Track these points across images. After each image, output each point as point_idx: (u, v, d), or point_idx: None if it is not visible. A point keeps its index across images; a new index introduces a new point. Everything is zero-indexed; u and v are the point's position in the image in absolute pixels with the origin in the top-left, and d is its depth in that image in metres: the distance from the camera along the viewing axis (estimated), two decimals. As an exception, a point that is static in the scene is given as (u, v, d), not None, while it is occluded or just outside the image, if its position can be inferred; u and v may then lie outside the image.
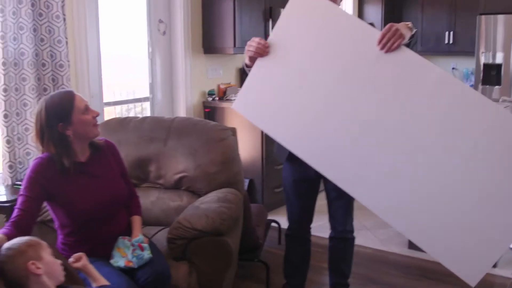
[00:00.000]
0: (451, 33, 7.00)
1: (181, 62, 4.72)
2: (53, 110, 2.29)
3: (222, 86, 5.03)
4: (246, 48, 2.40)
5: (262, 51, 2.33)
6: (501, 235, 2.04)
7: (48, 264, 1.91)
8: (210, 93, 4.94)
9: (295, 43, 2.30)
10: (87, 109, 2.37)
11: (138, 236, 2.42)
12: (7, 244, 1.92)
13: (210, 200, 2.76)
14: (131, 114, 4.49)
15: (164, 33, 4.66)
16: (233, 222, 2.66)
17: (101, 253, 2.34)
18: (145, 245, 2.36)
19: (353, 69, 2.20)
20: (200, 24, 4.83)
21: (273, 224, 3.93)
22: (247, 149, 4.60)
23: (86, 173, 2.39)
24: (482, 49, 6.32)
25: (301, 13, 2.29)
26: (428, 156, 2.10)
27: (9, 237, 2.03)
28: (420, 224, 2.16)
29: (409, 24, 2.25)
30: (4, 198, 3.02)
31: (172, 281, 2.40)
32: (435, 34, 7.15)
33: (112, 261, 2.33)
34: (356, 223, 3.03)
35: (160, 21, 4.62)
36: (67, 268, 2.05)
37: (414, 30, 2.29)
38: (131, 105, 4.53)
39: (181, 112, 4.74)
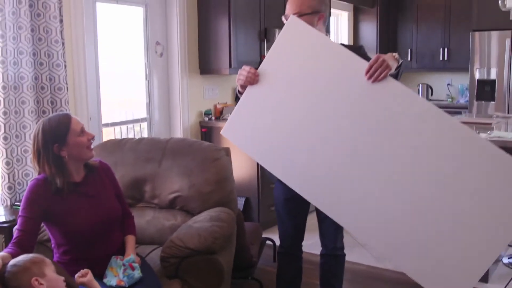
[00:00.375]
0: (446, 49, 7.11)
1: (178, 83, 4.82)
2: (49, 132, 2.38)
3: (218, 106, 5.13)
4: (237, 76, 2.49)
5: (252, 80, 2.43)
6: (478, 260, 2.13)
7: (51, 281, 2.01)
8: (207, 113, 5.04)
9: (284, 72, 2.39)
10: (82, 131, 2.46)
11: (130, 255, 2.49)
12: (12, 261, 2.04)
13: (203, 219, 2.84)
14: (130, 135, 4.58)
15: (161, 54, 4.77)
16: (225, 241, 2.73)
17: (95, 272, 2.40)
18: (136, 264, 2.43)
19: (340, 99, 2.28)
20: (196, 45, 4.94)
21: (268, 242, 3.99)
22: (243, 168, 4.68)
23: (81, 192, 2.48)
24: (476, 65, 6.43)
25: (292, 43, 2.37)
26: (410, 184, 2.18)
27: (13, 255, 2.14)
28: (402, 248, 2.24)
29: (396, 55, 2.35)
30: (3, 219, 3.10)
31: (164, 299, 2.47)
32: (430, 51, 7.27)
33: (105, 280, 2.41)
34: (350, 240, 3.10)
35: (157, 43, 4.73)
36: (69, 284, 2.14)
37: (401, 61, 2.39)
38: (130, 125, 4.62)
39: (178, 132, 4.83)
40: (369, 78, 2.21)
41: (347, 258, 3.05)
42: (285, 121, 2.38)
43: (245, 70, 2.45)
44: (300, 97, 2.35)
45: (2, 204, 3.43)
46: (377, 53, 7.33)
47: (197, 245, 2.57)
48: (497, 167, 2.07)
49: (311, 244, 3.53)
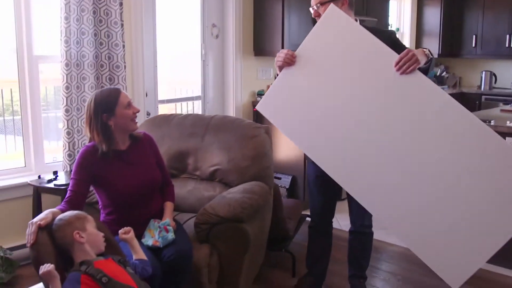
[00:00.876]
0: (512, 36, 6.91)
1: (232, 64, 5.04)
2: (100, 102, 2.66)
3: (271, 87, 5.30)
4: (276, 58, 2.64)
5: (290, 61, 2.58)
6: (483, 245, 2.25)
7: (91, 235, 2.27)
8: (259, 93, 5.23)
9: (320, 57, 2.52)
10: (129, 105, 2.72)
11: (165, 219, 2.73)
12: (59, 216, 2.33)
13: (236, 191, 3.04)
14: (184, 111, 4.85)
15: (217, 36, 4.99)
16: (253, 211, 2.92)
17: (135, 232, 2.63)
18: (170, 228, 2.67)
19: (370, 87, 2.41)
20: (251, 27, 5.13)
21: (308, 218, 4.13)
22: (290, 148, 4.84)
23: (125, 160, 2.74)
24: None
25: (329, 31, 2.50)
26: (430, 171, 2.31)
27: (63, 212, 2.43)
28: (416, 231, 2.37)
29: (426, 50, 2.48)
30: (63, 182, 3.45)
31: (194, 261, 2.70)
32: (495, 38, 7.09)
33: (143, 240, 2.66)
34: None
35: (214, 25, 4.95)
36: (109, 240, 2.40)
37: (431, 57, 2.51)
38: (184, 103, 4.89)
39: (231, 110, 5.06)
40: (398, 69, 2.34)
41: (387, 240, 3.13)
42: (317, 103, 2.52)
43: (283, 52, 2.60)
44: (332, 82, 2.49)
45: (63, 170, 3.78)
46: (440, 39, 7.30)
47: (226, 213, 2.78)
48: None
49: (346, 222, 3.66)
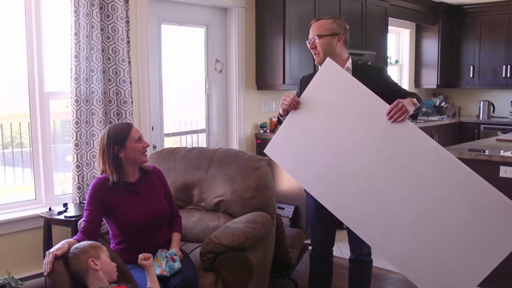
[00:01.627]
0: (508, 66, 7.09)
1: (236, 97, 5.21)
2: (112, 135, 2.84)
3: (274, 119, 5.46)
4: (281, 101, 2.84)
5: (294, 106, 2.79)
6: (470, 273, 2.45)
7: (104, 263, 2.43)
8: (262, 126, 5.39)
9: (320, 103, 2.76)
10: (140, 139, 2.88)
11: (172, 249, 2.86)
12: (75, 245, 2.49)
13: (239, 221, 3.17)
14: (189, 144, 5.00)
15: (220, 71, 5.18)
16: (256, 241, 3.04)
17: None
18: (176, 257, 2.80)
19: (365, 132, 2.65)
20: (253, 62, 5.32)
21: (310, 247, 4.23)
22: (292, 179, 4.94)
23: (134, 191, 2.89)
24: (539, 83, 6.40)
25: (327, 80, 2.76)
26: (419, 209, 2.53)
27: (79, 241, 2.58)
28: (406, 256, 2.59)
29: (415, 100, 2.71)
30: (72, 213, 3.58)
31: (200, 288, 2.81)
32: (492, 68, 7.27)
33: (150, 269, 2.79)
34: None
35: (217, 61, 5.14)
36: (121, 269, 2.55)
37: (418, 105, 2.74)
38: (189, 136, 5.05)
39: (234, 142, 5.21)
40: (389, 118, 2.58)
41: (389, 267, 3.24)
42: (318, 146, 2.74)
43: (289, 97, 2.81)
44: (331, 126, 2.72)
45: (72, 202, 3.92)
46: (438, 70, 7.48)
47: (230, 242, 2.91)
48: (496, 206, 2.40)
49: (346, 250, 3.76)
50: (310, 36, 2.96)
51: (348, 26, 3.01)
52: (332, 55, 2.88)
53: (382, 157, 2.60)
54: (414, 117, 2.79)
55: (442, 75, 7.65)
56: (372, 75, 2.91)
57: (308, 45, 2.99)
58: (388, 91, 2.83)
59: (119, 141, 2.82)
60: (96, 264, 2.38)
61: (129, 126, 2.91)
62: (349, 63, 2.98)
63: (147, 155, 2.95)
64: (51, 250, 2.45)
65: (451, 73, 7.72)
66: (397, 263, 2.66)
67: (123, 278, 2.52)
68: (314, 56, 2.99)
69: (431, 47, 7.61)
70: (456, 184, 2.46)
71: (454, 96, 8.14)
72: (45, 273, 2.39)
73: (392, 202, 2.57)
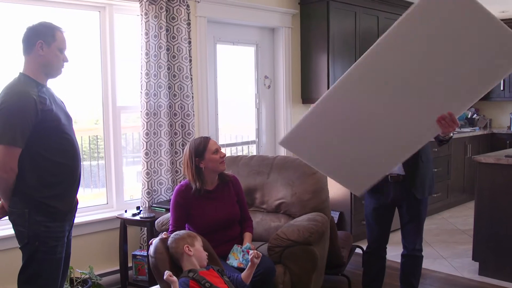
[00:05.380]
0: (540, 79, 7.33)
1: (283, 111, 5.59)
2: (193, 148, 3.25)
3: (317, 131, 5.80)
4: None
5: None
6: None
7: (197, 251, 2.83)
8: (307, 137, 5.73)
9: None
10: (217, 150, 3.27)
11: (246, 244, 3.22)
12: (175, 232, 2.94)
13: (302, 220, 3.52)
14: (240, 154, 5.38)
15: (269, 86, 5.56)
16: (319, 236, 3.38)
17: (218, 251, 3.12)
18: (251, 250, 3.14)
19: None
20: (299, 78, 5.70)
21: (358, 250, 4.54)
22: (339, 186, 5.25)
23: (211, 198, 3.28)
24: None
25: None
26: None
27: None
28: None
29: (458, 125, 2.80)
30: (146, 215, 3.97)
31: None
32: (523, 81, 7.51)
33: (228, 262, 3.15)
34: (434, 252, 3.56)
35: (266, 77, 5.54)
36: (213, 257, 2.95)
37: (451, 135, 2.93)
38: (239, 147, 5.43)
39: (282, 153, 5.55)
40: (439, 120, 2.56)
41: (431, 267, 3.51)
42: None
43: None
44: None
45: (142, 206, 4.31)
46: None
47: (296, 237, 3.26)
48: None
49: (392, 253, 4.06)
50: None
51: None
52: None
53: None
54: (441, 143, 3.02)
55: (474, 88, 7.88)
56: None
57: None
58: None
59: (199, 153, 3.22)
60: (190, 250, 2.77)
61: (207, 140, 3.30)
62: None
63: (225, 163, 3.32)
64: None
65: (482, 86, 7.96)
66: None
67: (212, 261, 2.92)
68: None
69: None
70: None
71: (486, 109, 8.39)
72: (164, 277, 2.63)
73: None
